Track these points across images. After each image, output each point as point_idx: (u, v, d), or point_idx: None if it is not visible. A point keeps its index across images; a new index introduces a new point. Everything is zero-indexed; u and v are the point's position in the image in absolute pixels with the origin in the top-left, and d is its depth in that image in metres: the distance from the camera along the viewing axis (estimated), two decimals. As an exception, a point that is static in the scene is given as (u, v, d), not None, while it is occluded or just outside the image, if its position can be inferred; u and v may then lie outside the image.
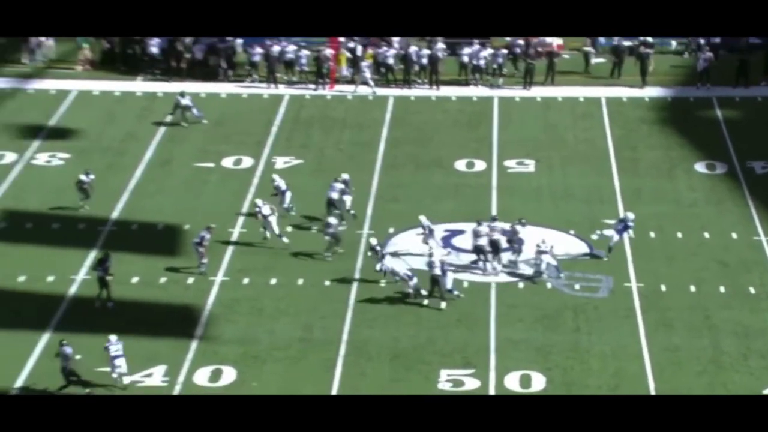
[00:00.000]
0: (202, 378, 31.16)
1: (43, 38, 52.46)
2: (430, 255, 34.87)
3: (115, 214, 39.56)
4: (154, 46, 51.70)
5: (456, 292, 34.68)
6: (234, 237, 38.24)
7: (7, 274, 35.78)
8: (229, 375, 31.32)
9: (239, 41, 52.20)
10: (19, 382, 30.75)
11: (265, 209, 37.29)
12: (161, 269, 36.15)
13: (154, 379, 31.02)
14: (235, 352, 32.27)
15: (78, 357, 30.73)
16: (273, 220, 37.27)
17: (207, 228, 36.26)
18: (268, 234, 37.56)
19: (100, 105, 48.60)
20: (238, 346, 32.57)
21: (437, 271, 34.48)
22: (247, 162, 43.50)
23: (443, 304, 34.36)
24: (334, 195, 38.83)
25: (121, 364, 30.78)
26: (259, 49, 50.81)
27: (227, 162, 43.37)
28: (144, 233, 38.37)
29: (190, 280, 35.62)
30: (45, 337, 32.69)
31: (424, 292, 34.58)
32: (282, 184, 39.70)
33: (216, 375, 31.30)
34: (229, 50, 51.72)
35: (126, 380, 30.86)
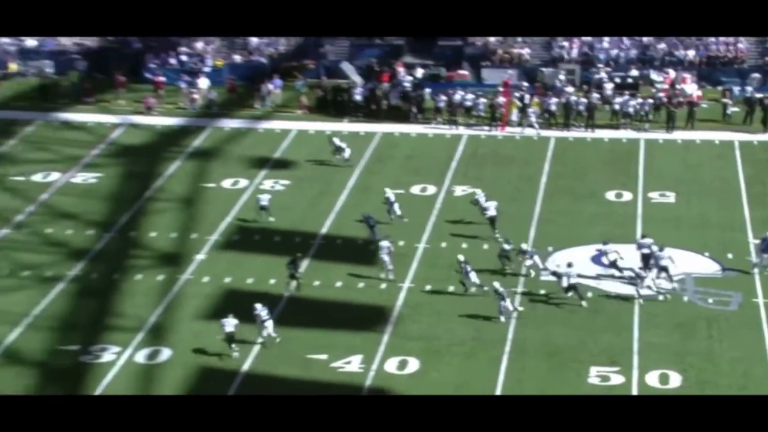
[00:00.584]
0: (391, 366, 31.35)
1: (271, 87, 53.74)
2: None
3: (324, 230, 40.23)
4: (358, 94, 52.55)
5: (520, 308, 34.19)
6: (419, 251, 38.47)
7: (239, 277, 36.54)
8: (413, 365, 31.43)
9: (427, 90, 52.63)
10: (245, 366, 31.51)
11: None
12: (360, 276, 36.48)
13: (352, 365, 31.31)
14: (419, 347, 32.37)
15: (275, 335, 31.27)
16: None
17: (387, 238, 36.63)
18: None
19: (315, 141, 49.36)
20: (421, 342, 32.67)
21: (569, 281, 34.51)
22: (431, 189, 43.76)
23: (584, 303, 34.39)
24: (493, 212, 39.06)
25: (269, 325, 31.92)
26: (443, 97, 51.14)
27: (415, 189, 43.73)
28: (347, 246, 38.86)
29: (383, 285, 35.92)
30: (265, 330, 33.30)
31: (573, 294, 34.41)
32: (392, 196, 40.30)
33: (402, 364, 31.45)
34: (419, 97, 52.17)
35: (276, 339, 31.82)
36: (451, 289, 35.82)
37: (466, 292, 35.13)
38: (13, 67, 56.67)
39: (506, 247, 36.67)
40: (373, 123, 51.15)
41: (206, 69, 56.20)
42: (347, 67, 55.84)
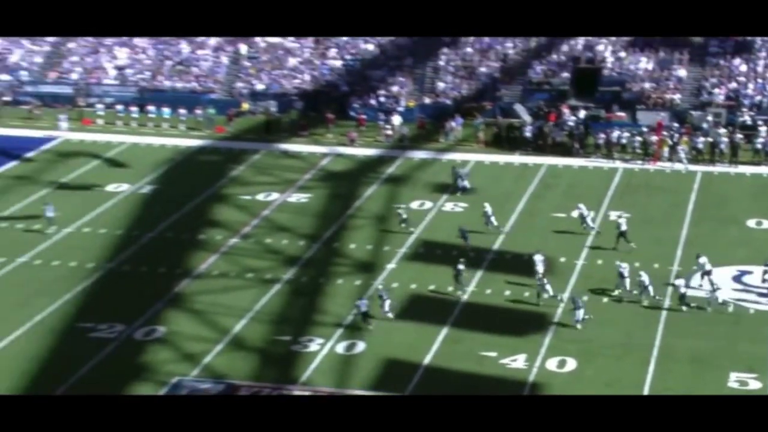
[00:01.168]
0: (551, 365, 30.78)
1: (454, 124, 53.75)
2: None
3: (495, 246, 39.83)
4: (528, 131, 52.03)
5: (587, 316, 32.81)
6: (578, 267, 37.69)
7: (423, 284, 36.32)
8: (571, 364, 30.80)
9: (590, 130, 51.84)
10: (426, 360, 31.39)
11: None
12: (524, 285, 35.78)
13: (518, 363, 30.84)
14: (576, 348, 31.69)
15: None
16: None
17: (539, 253, 36.05)
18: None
19: (490, 171, 49.03)
20: (577, 344, 31.97)
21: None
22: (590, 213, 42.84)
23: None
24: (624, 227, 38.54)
25: (388, 304, 32.70)
26: (602, 135, 50.18)
27: (575, 213, 42.88)
28: (515, 261, 38.28)
29: (546, 295, 35.16)
30: (444, 330, 33.25)
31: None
32: (489, 209, 40.27)
33: (561, 363, 30.85)
34: (581, 134, 51.31)
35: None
36: (604, 300, 34.96)
37: (618, 293, 34.14)
38: (245, 106, 58.34)
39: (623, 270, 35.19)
40: (540, 156, 50.49)
41: (400, 108, 56.62)
42: (519, 108, 55.39)
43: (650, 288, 34.10)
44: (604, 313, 33.99)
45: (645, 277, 34.28)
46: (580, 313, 32.88)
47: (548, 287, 34.42)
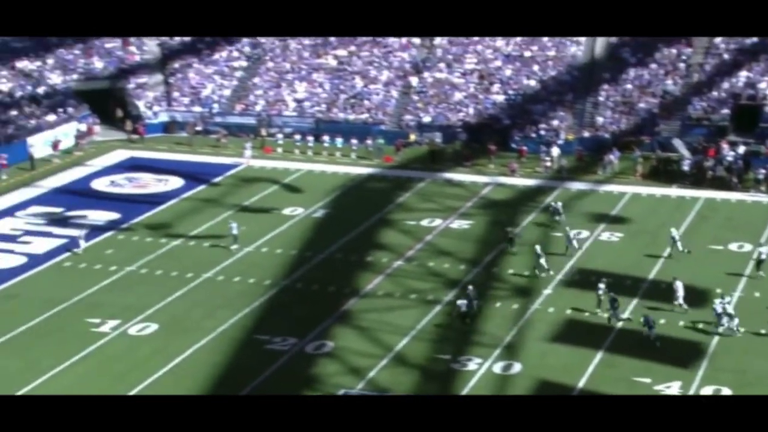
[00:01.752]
0: (706, 394, 29.77)
1: (612, 157, 52.82)
2: None
3: (651, 276, 38.76)
4: (686, 165, 50.70)
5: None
6: (734, 300, 36.36)
7: (578, 309, 35.82)
8: (726, 394, 29.76)
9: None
10: (581, 383, 30.87)
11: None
12: (678, 314, 34.89)
13: (672, 389, 30.04)
14: (731, 378, 30.58)
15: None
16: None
17: (678, 280, 35.22)
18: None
19: (646, 203, 47.97)
20: (733, 374, 30.86)
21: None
22: (747, 247, 41.33)
23: None
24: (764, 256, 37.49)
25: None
26: (762, 170, 48.37)
27: (732, 246, 41.39)
28: (671, 289, 37.00)
29: (701, 324, 34.10)
30: (598, 355, 32.69)
31: None
32: (676, 234, 40.33)
33: (716, 393, 29.75)
34: (740, 169, 49.60)
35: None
36: (762, 331, 33.58)
37: None
38: (412, 137, 59.01)
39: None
40: (697, 189, 49.01)
41: (559, 141, 56.06)
42: (678, 143, 53.94)
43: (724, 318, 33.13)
44: (760, 344, 32.66)
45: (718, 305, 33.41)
46: (732, 322, 32.72)
47: (684, 307, 33.64)
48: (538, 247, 39.39)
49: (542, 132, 57.52)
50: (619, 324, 34.58)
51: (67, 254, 41.46)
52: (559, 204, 45.73)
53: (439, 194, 49.94)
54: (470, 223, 45.65)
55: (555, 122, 58.34)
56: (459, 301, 34.50)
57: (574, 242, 40.77)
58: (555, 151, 54.22)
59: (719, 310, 33.52)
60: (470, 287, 35.70)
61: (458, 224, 45.65)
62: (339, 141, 57.53)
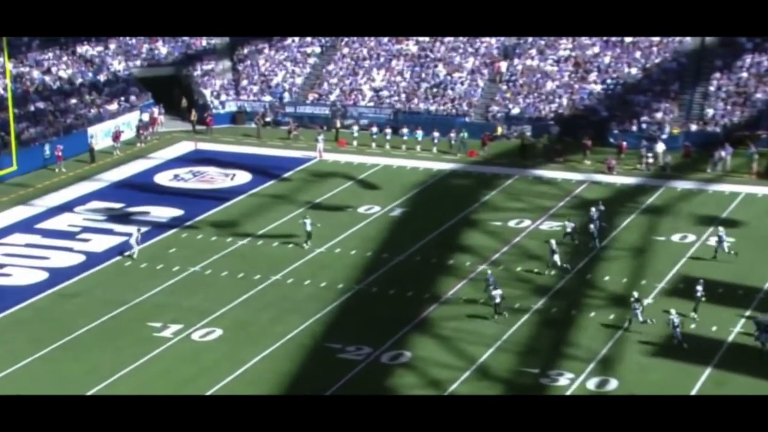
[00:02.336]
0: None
1: (723, 153, 51.95)
2: None
3: (767, 285, 38.19)
4: (807, 163, 49.69)
5: None
6: None
7: (681, 321, 35.48)
8: None
9: None
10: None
11: None
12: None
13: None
14: None
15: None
16: None
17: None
18: None
19: (761, 204, 47.09)
20: None
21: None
22: None
23: None
24: None
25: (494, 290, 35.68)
26: None
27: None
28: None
29: None
30: (707, 371, 32.26)
31: None
32: (722, 235, 40.39)
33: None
34: None
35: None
36: None
37: None
38: (499, 130, 58.83)
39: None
40: (819, 190, 48.10)
41: (664, 136, 55.28)
42: (798, 138, 52.80)
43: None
44: None
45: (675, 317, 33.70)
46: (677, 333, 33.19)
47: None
48: (553, 242, 39.62)
49: (644, 125, 56.78)
50: (692, 324, 33.94)
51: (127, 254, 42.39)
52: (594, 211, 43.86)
53: (527, 193, 49.69)
54: (562, 224, 45.39)
55: (659, 115, 57.51)
56: (494, 291, 35.90)
57: (725, 245, 40.31)
58: (659, 146, 53.51)
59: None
60: (489, 271, 38.11)
61: (548, 225, 45.41)
62: (419, 134, 57.70)
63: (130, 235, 43.07)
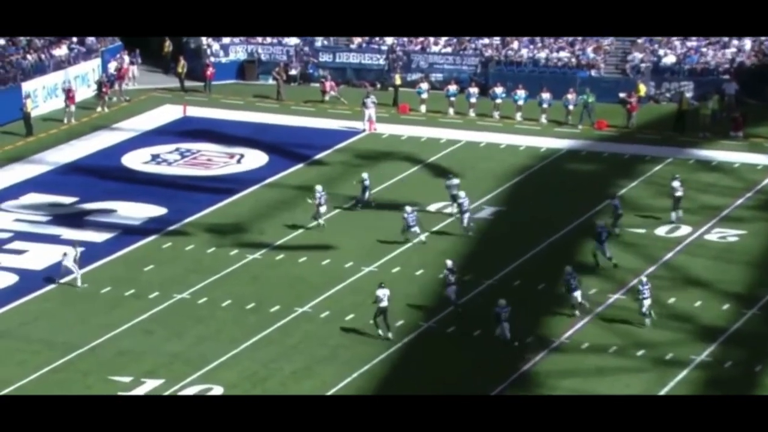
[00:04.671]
0: None
1: None
2: None
3: None
4: None
5: None
6: None
7: None
8: None
9: None
10: None
11: None
12: None
13: None
14: None
15: None
16: None
17: None
18: None
19: None
20: None
21: None
22: None
23: None
24: None
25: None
26: None
27: None
28: None
29: None
30: None
31: None
32: None
33: None
34: None
35: None
36: None
37: None
38: (642, 89, 58.40)
39: None
40: None
41: None
42: None
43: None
44: None
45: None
46: None
47: None
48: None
49: None
50: None
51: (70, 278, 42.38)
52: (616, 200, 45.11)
53: (689, 183, 49.33)
54: (741, 233, 44.95)
55: None
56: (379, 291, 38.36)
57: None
58: None
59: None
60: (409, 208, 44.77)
61: (720, 233, 45.22)
62: (520, 95, 57.62)
63: (65, 254, 42.26)
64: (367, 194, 47.69)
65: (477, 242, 45.07)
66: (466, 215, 45.09)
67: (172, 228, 46.81)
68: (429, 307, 40.33)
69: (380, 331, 38.11)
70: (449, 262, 40.06)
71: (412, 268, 43.07)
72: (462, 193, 45.72)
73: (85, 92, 60.75)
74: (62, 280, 42.29)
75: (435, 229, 46.15)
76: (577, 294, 39.18)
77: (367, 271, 42.84)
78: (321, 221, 45.70)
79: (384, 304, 37.95)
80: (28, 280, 42.81)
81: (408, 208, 44.62)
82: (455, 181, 47.31)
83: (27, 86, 58.63)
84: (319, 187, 45.91)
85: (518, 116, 57.26)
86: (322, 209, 45.74)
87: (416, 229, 44.24)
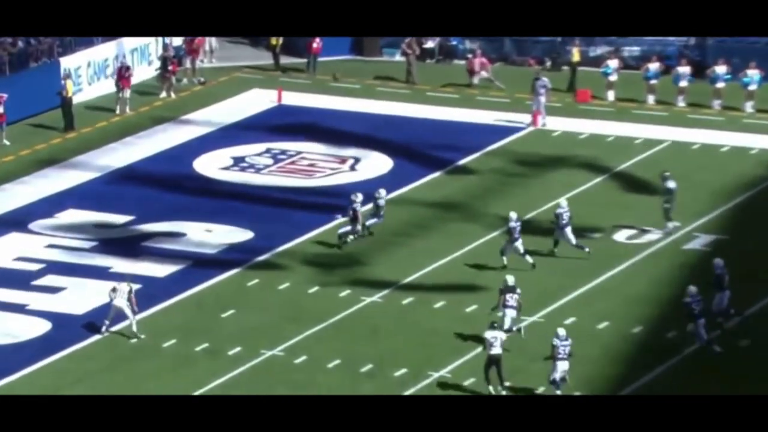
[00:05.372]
0: None
1: None
2: None
3: None
4: None
5: None
6: None
7: None
8: None
9: None
10: None
11: None
12: None
13: None
14: None
15: None
16: None
17: None
18: None
19: None
20: None
21: None
22: None
23: None
24: None
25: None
26: None
27: None
28: None
29: None
30: None
31: None
32: None
33: None
34: None
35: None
36: None
37: None
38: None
39: None
40: None
41: None
42: None
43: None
44: None
45: None
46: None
47: None
48: None
49: None
50: None
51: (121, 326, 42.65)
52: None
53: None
54: None
55: None
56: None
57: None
58: None
59: None
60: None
61: None
62: (753, 76, 57.72)
63: (114, 290, 42.52)
64: (375, 219, 47.49)
65: (685, 279, 44.45)
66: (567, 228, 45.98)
67: (260, 259, 47.29)
68: (613, 375, 40.16)
69: (491, 387, 38.23)
70: (692, 288, 40.57)
71: (590, 319, 42.78)
72: (563, 202, 46.07)
73: (144, 71, 61.27)
74: (111, 329, 42.59)
75: (625, 265, 45.93)
76: (701, 322, 40.60)
77: (528, 322, 42.79)
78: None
79: (496, 351, 37.98)
80: (65, 328, 43.23)
81: (513, 215, 45.41)
82: (671, 184, 47.20)
83: (67, 62, 59.49)
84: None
85: (748, 107, 57.04)
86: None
87: (518, 244, 45.27)
